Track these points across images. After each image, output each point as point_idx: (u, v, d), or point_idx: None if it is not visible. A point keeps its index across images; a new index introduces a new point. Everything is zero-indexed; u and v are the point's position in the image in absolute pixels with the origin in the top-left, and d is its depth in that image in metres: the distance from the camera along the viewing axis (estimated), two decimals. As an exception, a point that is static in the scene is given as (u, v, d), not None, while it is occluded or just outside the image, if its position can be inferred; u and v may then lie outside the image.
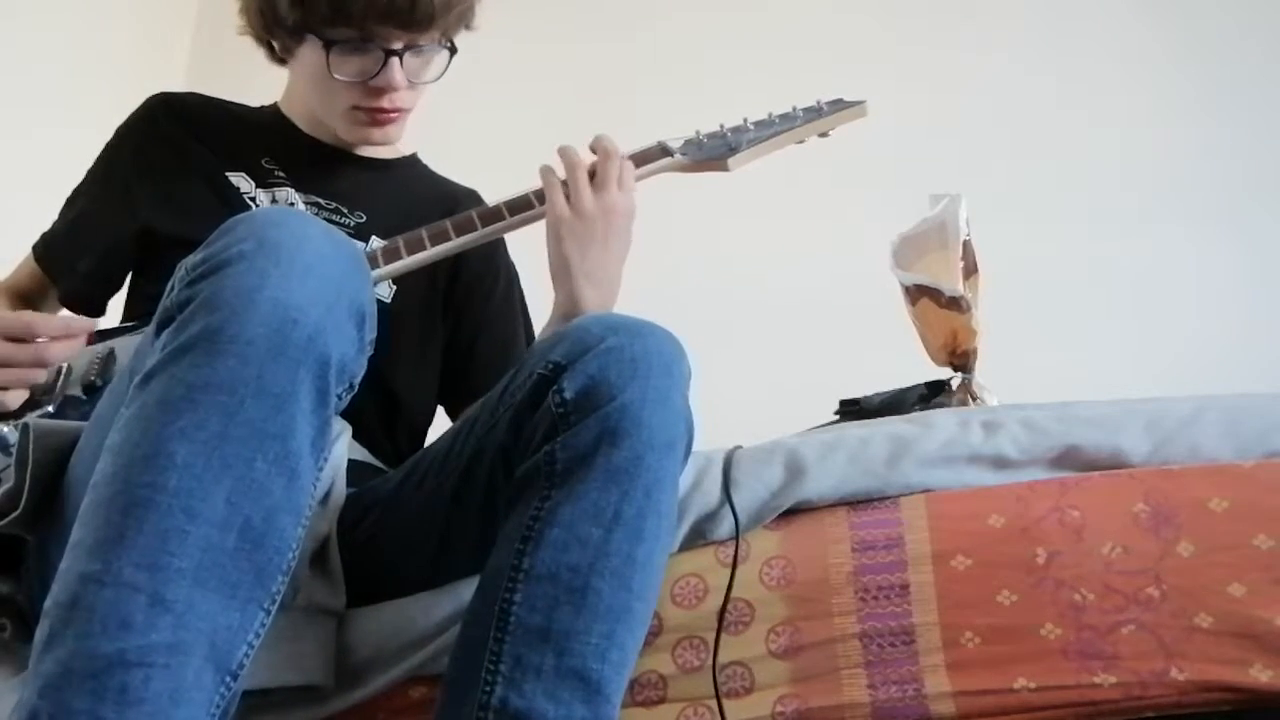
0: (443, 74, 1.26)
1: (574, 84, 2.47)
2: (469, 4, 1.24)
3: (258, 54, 1.32)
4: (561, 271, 1.14)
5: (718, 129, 1.27)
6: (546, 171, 1.18)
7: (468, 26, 1.28)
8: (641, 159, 1.22)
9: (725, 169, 1.25)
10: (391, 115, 1.25)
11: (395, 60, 1.20)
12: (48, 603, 0.71)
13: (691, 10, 2.53)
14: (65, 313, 1.34)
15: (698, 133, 1.27)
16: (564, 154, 1.18)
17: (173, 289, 0.81)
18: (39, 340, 1.05)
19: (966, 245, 1.36)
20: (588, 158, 1.20)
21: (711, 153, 1.25)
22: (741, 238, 2.33)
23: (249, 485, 0.73)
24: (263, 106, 1.39)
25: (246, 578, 0.73)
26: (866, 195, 2.24)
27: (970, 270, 1.35)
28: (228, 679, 0.72)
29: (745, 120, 1.28)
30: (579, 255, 1.13)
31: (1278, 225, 2.20)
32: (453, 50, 1.25)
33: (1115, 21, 2.39)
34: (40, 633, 0.71)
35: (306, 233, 0.80)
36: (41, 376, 1.06)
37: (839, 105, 1.32)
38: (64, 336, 1.06)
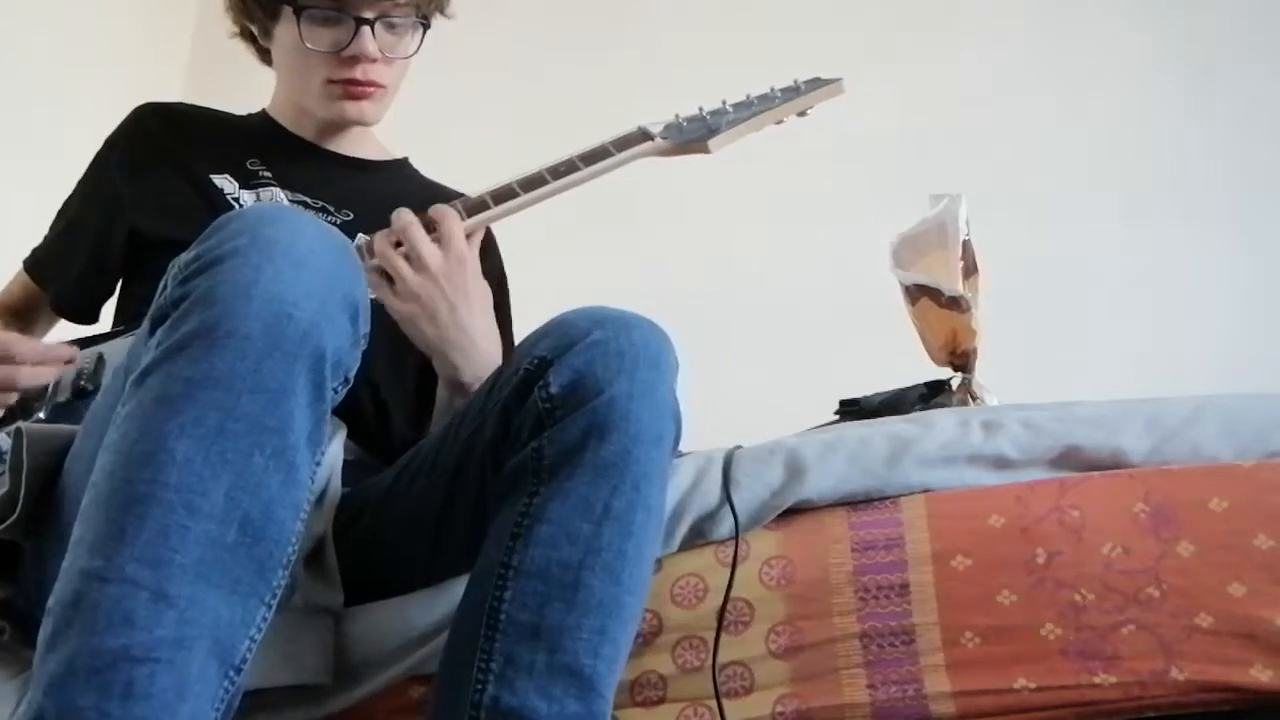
0: (416, 50, 1.26)
1: (567, 88, 2.47)
2: None
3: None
4: (429, 350, 1.13)
5: (696, 112, 1.26)
6: (371, 275, 1.12)
7: (442, 10, 1.28)
8: (622, 144, 1.21)
9: (706, 151, 1.24)
10: (366, 89, 1.25)
11: (367, 29, 1.21)
12: (51, 601, 0.71)
13: (690, 13, 2.53)
14: (46, 338, 1.35)
15: (677, 116, 1.25)
16: (376, 251, 1.12)
17: (165, 287, 0.81)
18: (15, 364, 1.04)
19: (966, 245, 1.35)
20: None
21: (692, 135, 1.24)
22: (741, 238, 2.33)
23: (247, 480, 0.73)
24: (250, 114, 1.40)
25: (247, 572, 0.73)
26: (866, 195, 2.24)
27: (970, 270, 1.35)
28: (231, 673, 0.73)
29: (724, 102, 1.27)
30: (433, 331, 1.11)
31: (1277, 225, 2.20)
32: (425, 25, 1.25)
33: (1115, 21, 2.39)
34: (44, 632, 0.71)
35: (299, 228, 0.80)
36: (12, 399, 1.06)
37: (816, 84, 1.31)
38: (39, 362, 1.05)
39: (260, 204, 0.80)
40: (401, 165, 1.44)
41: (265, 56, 1.34)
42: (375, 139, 1.43)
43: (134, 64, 2.45)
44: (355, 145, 1.38)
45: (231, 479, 0.73)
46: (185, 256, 0.80)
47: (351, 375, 0.84)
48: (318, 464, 0.80)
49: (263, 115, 1.38)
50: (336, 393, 0.82)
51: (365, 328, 0.84)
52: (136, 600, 0.69)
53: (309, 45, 1.21)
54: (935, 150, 2.29)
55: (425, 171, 1.46)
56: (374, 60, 1.23)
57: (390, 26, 1.23)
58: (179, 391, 0.74)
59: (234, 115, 1.39)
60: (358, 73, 1.24)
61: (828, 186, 2.32)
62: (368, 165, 1.38)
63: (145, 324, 0.83)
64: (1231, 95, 2.29)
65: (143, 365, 0.77)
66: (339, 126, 1.34)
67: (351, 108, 1.27)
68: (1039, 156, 2.32)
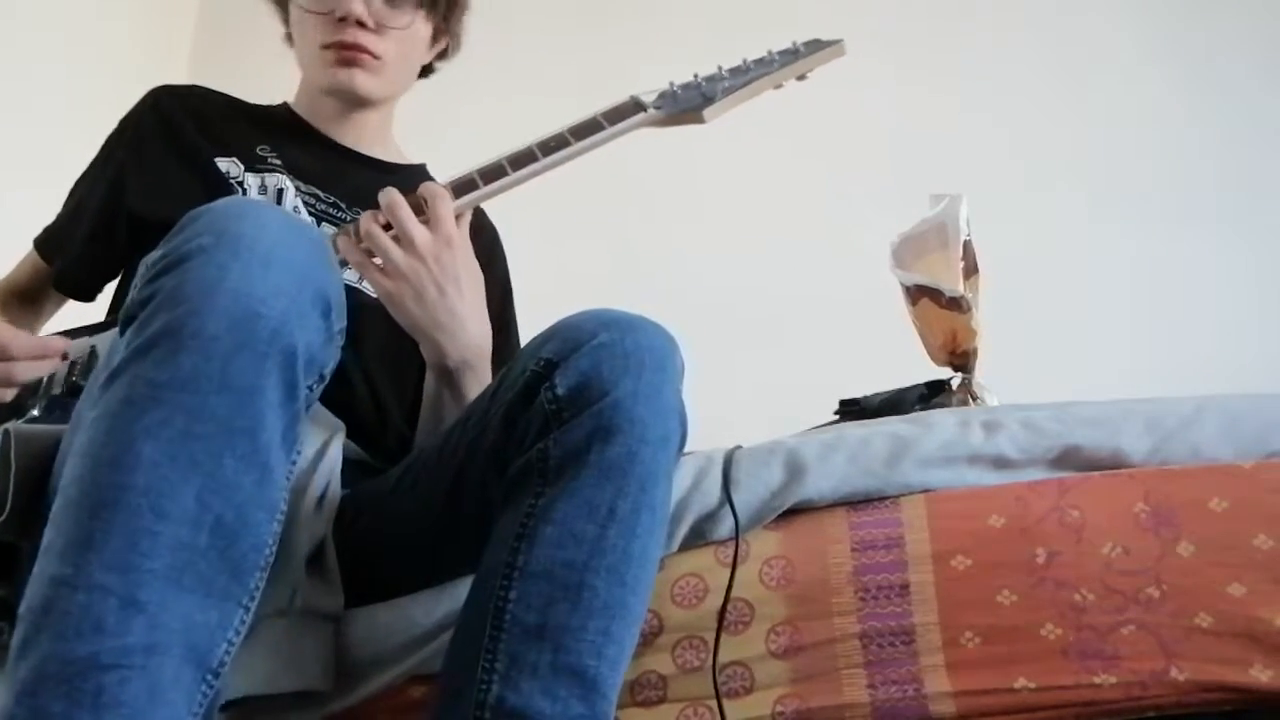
0: (410, 24, 1.28)
1: (578, 84, 2.47)
2: None
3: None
4: (414, 331, 1.11)
5: (691, 79, 1.22)
6: (358, 255, 1.11)
7: (449, 11, 1.31)
8: (614, 116, 1.18)
9: (701, 121, 1.20)
10: (356, 55, 1.26)
11: None
12: (22, 608, 0.71)
13: (694, 19, 2.53)
14: (53, 319, 1.35)
15: (671, 84, 1.22)
16: (362, 232, 1.10)
17: (136, 286, 0.80)
18: (11, 359, 1.03)
19: (966, 245, 1.35)
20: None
21: (686, 104, 1.20)
22: (742, 237, 2.33)
23: (218, 482, 0.73)
24: (272, 104, 1.40)
25: (221, 576, 0.73)
26: (866, 195, 2.24)
27: (970, 270, 1.35)
28: (208, 677, 0.72)
29: (720, 68, 1.23)
30: (419, 312, 1.09)
31: (1276, 225, 2.20)
32: (423, 5, 1.27)
33: (1115, 22, 2.39)
34: (15, 639, 0.70)
35: (266, 222, 0.79)
36: (9, 396, 1.05)
37: (816, 46, 1.27)
38: (36, 356, 1.04)
39: (229, 199, 0.79)
40: (419, 170, 1.43)
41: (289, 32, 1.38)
42: (395, 142, 1.44)
43: (134, 63, 2.45)
44: (373, 145, 1.38)
45: (201, 481, 0.72)
46: (153, 255, 0.79)
47: (328, 373, 0.83)
48: (293, 463, 0.80)
49: (285, 108, 1.39)
50: (312, 391, 0.81)
51: (340, 324, 0.83)
52: (105, 607, 0.68)
53: (305, 6, 1.24)
54: (935, 150, 2.29)
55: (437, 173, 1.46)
56: (362, 23, 1.24)
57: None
58: (145, 394, 0.73)
59: (254, 104, 1.39)
60: (347, 35, 1.25)
61: (828, 187, 2.32)
62: (384, 166, 1.38)
63: (118, 325, 0.82)
64: (1230, 95, 2.29)
65: (111, 367, 0.76)
66: (346, 109, 1.34)
67: (343, 74, 1.28)
68: (1039, 156, 2.32)
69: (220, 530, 0.73)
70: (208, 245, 0.76)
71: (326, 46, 1.26)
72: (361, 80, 1.28)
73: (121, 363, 0.75)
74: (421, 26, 1.31)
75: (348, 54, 1.26)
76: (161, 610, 0.70)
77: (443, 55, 1.41)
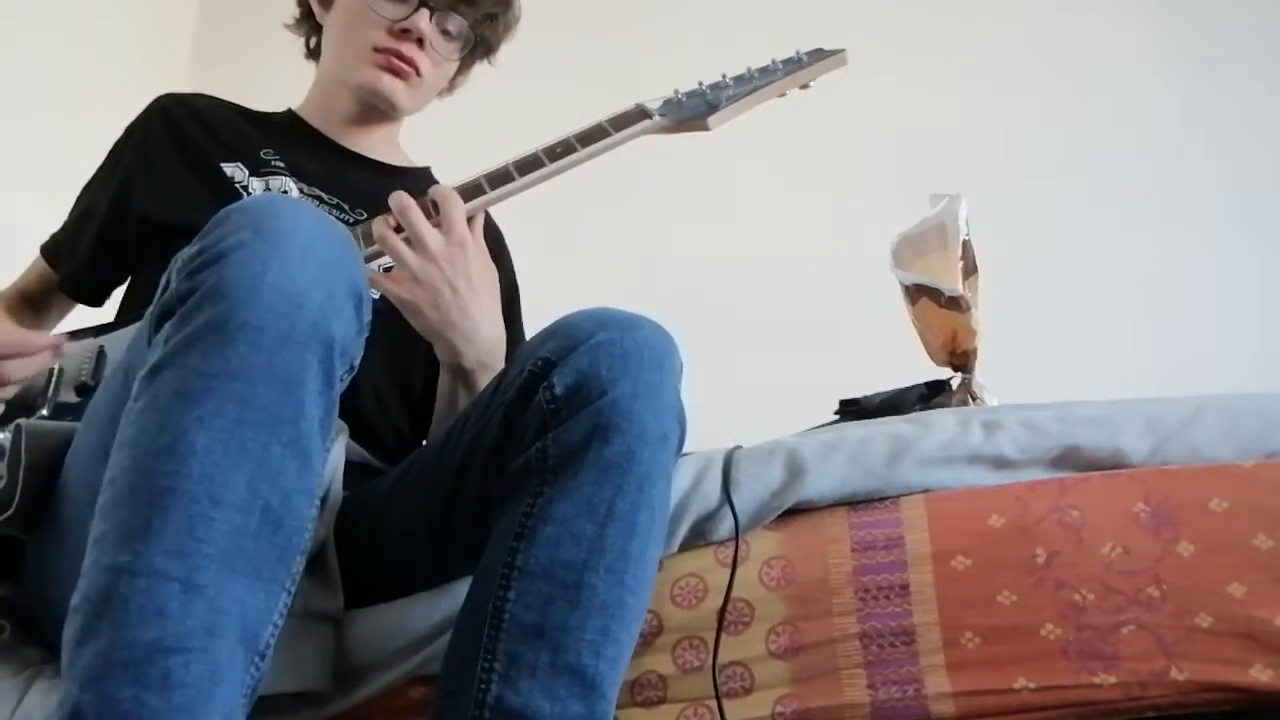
0: (456, 57, 1.36)
1: (584, 90, 2.47)
2: (503, 14, 1.37)
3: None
4: (428, 334, 1.12)
5: (696, 87, 1.24)
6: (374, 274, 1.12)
7: (489, 48, 1.40)
8: (619, 123, 1.20)
9: (705, 129, 1.22)
10: (405, 68, 1.31)
11: (425, 11, 1.29)
12: (76, 598, 0.72)
13: (695, 18, 2.53)
14: (60, 325, 1.35)
15: (676, 92, 1.23)
16: (375, 235, 1.11)
17: (169, 282, 0.81)
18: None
19: (966, 245, 1.35)
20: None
21: (691, 112, 1.22)
22: (742, 237, 2.33)
23: (266, 469, 0.75)
24: (275, 111, 1.41)
25: (269, 559, 0.75)
26: (866, 195, 2.24)
27: (970, 270, 1.35)
28: (256, 659, 0.74)
29: (724, 76, 1.25)
30: (434, 315, 1.09)
31: (1277, 225, 2.20)
32: (475, 45, 1.35)
33: (1115, 21, 2.39)
34: (71, 628, 0.71)
35: (300, 218, 0.80)
36: (9, 393, 1.05)
37: (819, 55, 1.29)
38: (18, 354, 1.03)
39: (259, 195, 0.80)
40: (423, 173, 1.44)
41: (312, 49, 1.41)
42: (399, 146, 1.45)
43: (134, 65, 2.45)
44: (378, 149, 1.40)
45: (252, 468, 0.74)
46: (188, 251, 0.80)
47: (356, 363, 0.85)
48: (328, 450, 0.81)
49: (289, 113, 1.41)
50: (342, 380, 0.83)
51: (368, 316, 0.84)
52: (167, 592, 0.70)
53: (373, 7, 1.28)
54: (935, 150, 2.29)
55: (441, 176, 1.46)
56: (421, 39, 1.30)
57: (445, 30, 1.32)
58: (195, 384, 0.74)
59: (256, 110, 1.40)
60: (405, 48, 1.30)
61: (827, 186, 2.32)
62: (388, 169, 1.39)
63: (147, 321, 0.83)
64: (1231, 95, 2.29)
65: (153, 361, 0.77)
66: (365, 115, 1.36)
67: (387, 80, 1.31)
68: (1039, 156, 2.32)
69: (268, 515, 0.74)
70: (247, 240, 0.77)
71: (379, 50, 1.30)
72: (402, 93, 1.33)
73: (165, 356, 0.76)
74: (455, 63, 1.38)
75: (400, 65, 1.31)
76: (219, 594, 0.71)
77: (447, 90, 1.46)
